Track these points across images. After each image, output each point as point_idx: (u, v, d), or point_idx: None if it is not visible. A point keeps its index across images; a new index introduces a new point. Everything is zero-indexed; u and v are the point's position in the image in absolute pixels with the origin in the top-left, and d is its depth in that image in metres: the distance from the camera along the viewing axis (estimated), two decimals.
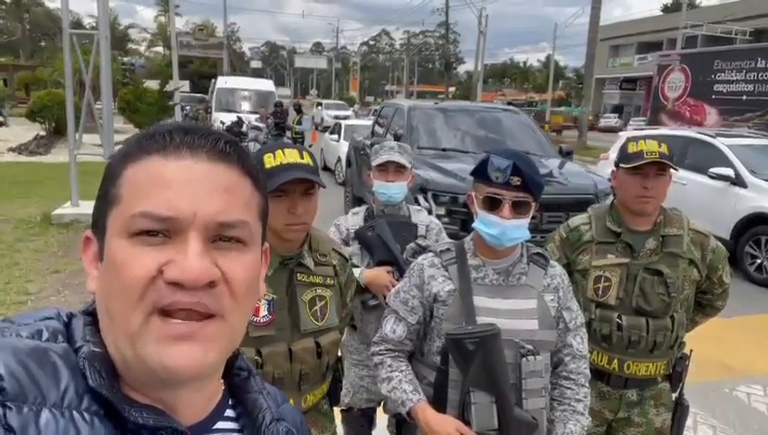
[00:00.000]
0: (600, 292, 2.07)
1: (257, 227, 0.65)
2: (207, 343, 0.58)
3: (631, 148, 2.04)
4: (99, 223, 0.62)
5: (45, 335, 0.59)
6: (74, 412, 0.54)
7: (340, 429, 2.19)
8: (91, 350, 0.59)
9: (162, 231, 0.58)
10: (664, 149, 2.00)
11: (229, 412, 0.70)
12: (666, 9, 53.46)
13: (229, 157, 0.62)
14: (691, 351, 2.22)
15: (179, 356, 0.57)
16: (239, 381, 0.72)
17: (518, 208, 1.59)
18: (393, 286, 2.09)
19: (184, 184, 0.59)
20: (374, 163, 2.47)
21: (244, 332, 0.65)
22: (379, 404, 2.50)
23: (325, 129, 15.32)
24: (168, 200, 0.58)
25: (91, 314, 0.63)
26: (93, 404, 0.56)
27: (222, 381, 0.71)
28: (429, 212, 5.43)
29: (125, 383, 0.60)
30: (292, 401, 1.59)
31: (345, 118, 17.70)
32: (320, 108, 35.24)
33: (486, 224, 1.62)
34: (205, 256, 0.58)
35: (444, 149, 7.11)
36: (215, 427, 0.67)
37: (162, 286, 0.56)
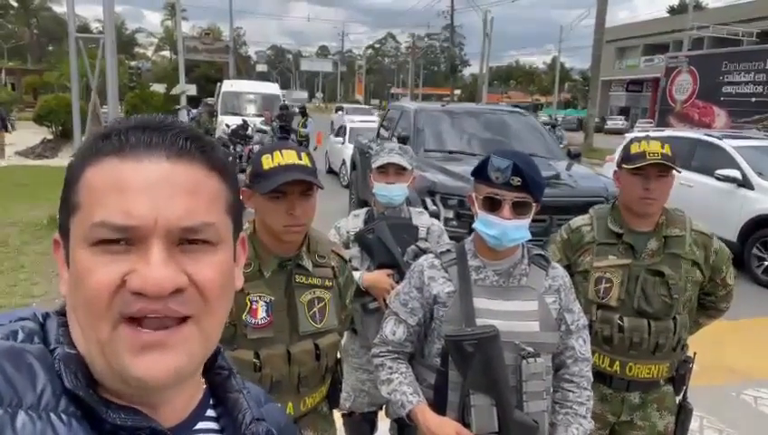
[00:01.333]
0: (602, 293, 2.05)
1: (226, 223, 0.62)
2: (178, 349, 0.57)
3: (634, 148, 2.02)
4: (63, 228, 0.61)
5: (21, 336, 0.58)
6: (51, 414, 0.53)
7: (340, 432, 2.18)
8: (65, 352, 0.58)
9: (124, 239, 0.56)
10: (666, 150, 1.98)
11: (210, 412, 0.69)
12: (672, 11, 53.30)
13: (190, 154, 0.59)
14: (695, 353, 2.20)
15: (149, 365, 0.55)
16: (220, 380, 0.71)
17: (518, 209, 1.58)
18: (394, 290, 2.08)
19: (142, 189, 0.56)
20: (374, 165, 2.46)
21: (219, 334, 0.64)
22: (381, 408, 2.49)
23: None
24: (127, 208, 0.55)
25: (66, 315, 0.62)
26: (71, 406, 0.55)
27: (203, 380, 0.69)
28: (437, 216, 5.39)
29: (101, 385, 0.59)
30: (291, 405, 1.60)
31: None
32: (341, 113, 28.53)
33: (486, 224, 1.61)
34: (169, 264, 0.56)
35: (451, 152, 7.07)
36: (195, 427, 0.66)
37: (127, 296, 0.55)
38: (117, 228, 0.55)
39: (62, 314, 0.63)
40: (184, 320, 0.57)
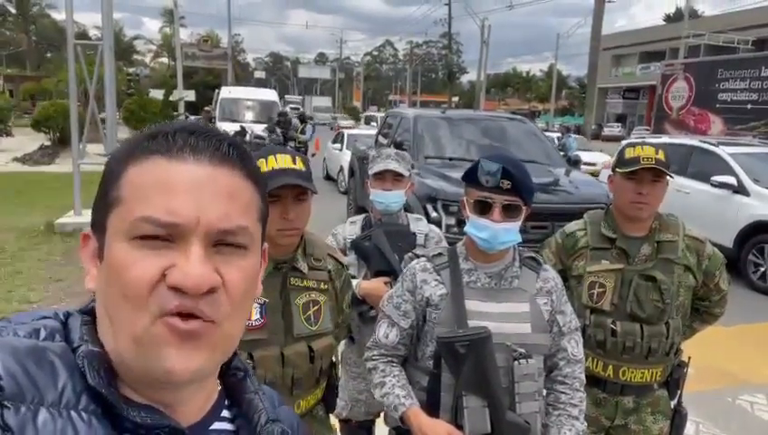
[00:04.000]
0: (595, 297, 2.07)
1: (257, 230, 0.65)
2: (204, 348, 0.59)
3: (629, 153, 2.04)
4: (98, 222, 0.62)
5: (43, 334, 0.59)
6: (72, 412, 0.55)
7: None
8: (89, 349, 0.59)
9: (164, 236, 0.57)
10: (661, 155, 2.00)
11: (225, 413, 0.70)
12: (668, 19, 53.57)
13: (232, 160, 0.62)
14: (689, 358, 2.21)
15: (178, 359, 0.57)
16: (235, 382, 0.72)
17: (509, 212, 1.60)
18: (386, 293, 2.08)
19: (187, 189, 0.58)
20: (371, 172, 2.44)
21: (240, 335, 0.66)
22: (378, 416, 2.48)
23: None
24: (171, 206, 0.57)
25: (88, 313, 0.63)
26: (91, 403, 0.56)
27: (218, 381, 0.71)
28: (438, 222, 5.36)
29: (122, 383, 0.60)
30: None
31: None
32: (374, 124, 23.21)
33: (477, 227, 1.63)
34: (206, 263, 0.58)
35: (451, 159, 7.03)
36: (211, 428, 0.67)
37: (165, 291, 0.57)
38: (161, 224, 0.57)
39: (84, 312, 0.64)
40: (208, 322, 0.59)
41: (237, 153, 0.63)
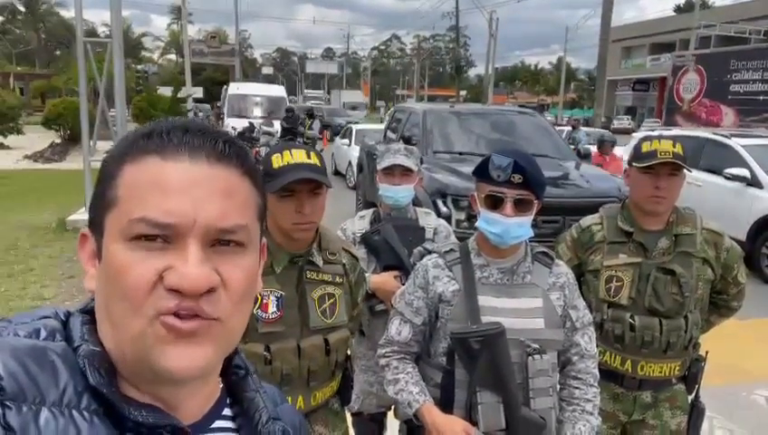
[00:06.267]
0: (612, 292, 2.05)
1: (255, 227, 0.64)
2: (206, 345, 0.59)
3: (645, 147, 2.02)
4: (96, 222, 0.61)
5: (43, 334, 0.59)
6: (74, 411, 0.55)
7: (351, 430, 2.18)
8: (90, 349, 0.59)
9: (161, 236, 0.57)
10: (678, 149, 1.98)
11: (227, 411, 0.70)
12: (678, 10, 53.05)
13: (228, 158, 0.61)
14: (707, 352, 2.18)
15: (179, 357, 0.57)
16: (237, 380, 0.72)
17: (520, 206, 1.59)
18: (398, 290, 2.07)
19: (183, 188, 0.58)
20: (380, 166, 2.45)
21: (242, 332, 0.65)
22: (390, 409, 2.49)
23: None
24: (168, 206, 0.57)
25: (89, 313, 0.63)
26: (93, 403, 0.56)
27: (220, 379, 0.71)
28: (448, 217, 5.32)
29: (124, 381, 0.60)
30: (301, 398, 1.62)
31: None
32: None
33: (489, 222, 1.62)
34: (204, 263, 0.57)
35: (460, 153, 6.98)
36: (212, 426, 0.67)
37: (163, 292, 0.56)
38: (157, 225, 0.57)
39: (85, 311, 0.64)
40: (210, 320, 0.59)
41: (234, 150, 0.62)
